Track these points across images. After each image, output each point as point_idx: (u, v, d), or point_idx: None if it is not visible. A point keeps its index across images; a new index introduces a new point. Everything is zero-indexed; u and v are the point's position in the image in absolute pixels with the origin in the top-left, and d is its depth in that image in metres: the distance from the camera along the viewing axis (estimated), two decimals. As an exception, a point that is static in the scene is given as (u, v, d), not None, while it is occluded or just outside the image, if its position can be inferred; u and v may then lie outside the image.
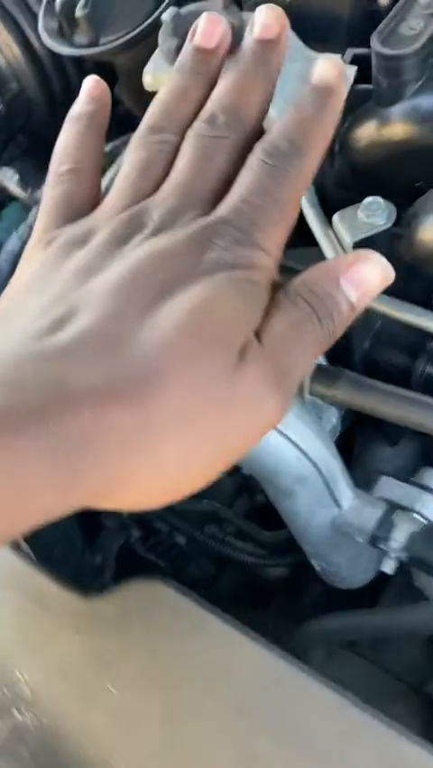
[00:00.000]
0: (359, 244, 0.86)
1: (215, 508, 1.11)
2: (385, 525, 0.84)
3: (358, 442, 1.02)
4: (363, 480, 1.05)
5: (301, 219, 0.88)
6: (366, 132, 0.90)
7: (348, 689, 1.09)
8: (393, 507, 0.87)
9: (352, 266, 0.41)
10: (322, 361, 0.77)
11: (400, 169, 0.88)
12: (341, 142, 0.91)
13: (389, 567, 0.86)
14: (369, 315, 0.85)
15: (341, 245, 0.84)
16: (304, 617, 1.35)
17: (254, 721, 0.51)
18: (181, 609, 0.57)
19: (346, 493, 0.86)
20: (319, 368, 0.67)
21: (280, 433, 0.78)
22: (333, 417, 1.00)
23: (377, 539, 0.85)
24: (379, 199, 0.83)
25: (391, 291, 0.87)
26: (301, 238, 0.93)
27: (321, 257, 0.87)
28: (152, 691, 0.55)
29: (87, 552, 1.39)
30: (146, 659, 0.56)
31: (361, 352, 0.89)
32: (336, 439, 0.92)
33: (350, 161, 0.91)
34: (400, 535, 0.84)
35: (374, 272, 0.42)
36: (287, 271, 0.46)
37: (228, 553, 1.14)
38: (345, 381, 0.67)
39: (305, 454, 0.80)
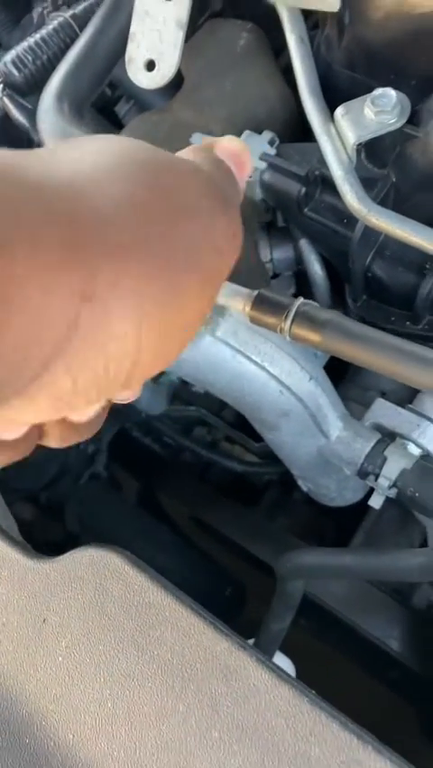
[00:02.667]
0: (364, 145, 0.74)
1: (202, 414, 1.05)
2: (375, 458, 0.78)
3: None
4: (358, 398, 0.98)
5: (302, 108, 0.76)
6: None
7: (335, 600, 1.10)
8: (386, 439, 0.80)
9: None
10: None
11: (422, 51, 0.74)
12: (353, 11, 0.77)
13: (376, 502, 0.80)
14: (369, 229, 0.75)
15: (343, 145, 0.72)
16: (294, 513, 1.33)
17: (199, 703, 0.48)
18: (132, 582, 0.53)
19: (335, 423, 0.79)
20: (304, 311, 0.59)
21: (264, 369, 0.70)
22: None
23: (366, 473, 0.79)
24: (390, 91, 0.70)
25: (397, 202, 0.77)
26: (303, 130, 0.81)
27: (320, 156, 0.76)
28: (92, 655, 0.52)
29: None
30: (86, 625, 0.52)
31: (362, 266, 0.80)
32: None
33: (362, 37, 0.77)
34: (390, 471, 0.78)
35: None
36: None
37: (216, 460, 1.10)
38: (332, 328, 0.58)
39: (288, 389, 0.73)
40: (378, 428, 0.86)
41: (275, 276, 0.93)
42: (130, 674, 0.50)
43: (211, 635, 0.51)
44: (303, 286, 0.94)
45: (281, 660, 0.95)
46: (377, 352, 0.57)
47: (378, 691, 1.14)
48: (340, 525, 1.22)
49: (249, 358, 0.70)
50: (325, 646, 1.12)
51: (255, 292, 0.61)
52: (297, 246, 0.88)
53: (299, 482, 0.92)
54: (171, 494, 1.39)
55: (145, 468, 1.40)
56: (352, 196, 0.70)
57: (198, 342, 0.68)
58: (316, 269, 0.87)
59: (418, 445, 0.84)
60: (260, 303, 0.61)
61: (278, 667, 0.50)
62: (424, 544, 1.11)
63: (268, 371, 0.71)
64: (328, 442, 0.80)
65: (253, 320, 0.61)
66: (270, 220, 0.91)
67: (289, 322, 0.60)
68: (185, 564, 1.34)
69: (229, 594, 1.37)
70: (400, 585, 1.08)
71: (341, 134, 0.72)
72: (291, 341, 0.61)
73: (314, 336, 0.59)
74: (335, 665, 1.16)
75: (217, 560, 1.37)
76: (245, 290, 0.62)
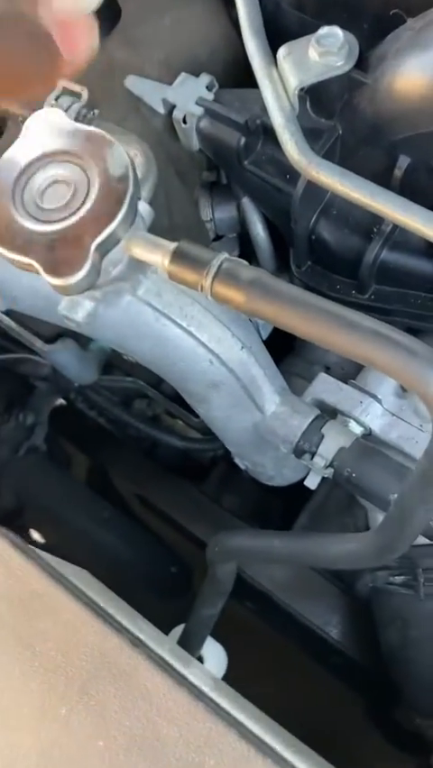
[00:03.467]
0: (309, 91, 0.67)
1: (139, 386, 0.99)
2: (312, 436, 0.72)
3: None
4: (302, 372, 0.92)
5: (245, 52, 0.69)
6: None
7: (274, 585, 1.05)
8: (324, 416, 0.75)
9: None
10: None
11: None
12: None
13: (312, 483, 0.75)
14: (313, 185, 0.69)
15: (285, 90, 0.66)
16: (242, 491, 1.27)
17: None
18: (15, 568, 0.47)
19: (271, 398, 0.73)
20: (227, 267, 0.52)
21: (190, 335, 0.64)
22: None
23: (302, 452, 0.73)
24: (337, 30, 0.63)
25: (344, 156, 0.70)
26: (248, 76, 0.74)
27: (263, 103, 0.69)
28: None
29: (17, 412, 1.29)
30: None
31: (305, 227, 0.73)
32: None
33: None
34: (327, 450, 0.72)
35: None
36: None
37: (156, 436, 1.04)
38: (257, 288, 0.52)
39: (217, 357, 0.66)
40: (319, 405, 0.80)
41: (217, 238, 0.86)
42: (8, 671, 0.44)
43: (101, 630, 0.45)
44: (248, 249, 0.87)
45: (212, 646, 0.90)
46: (304, 316, 0.51)
47: (320, 677, 1.09)
48: (287, 504, 1.17)
49: (174, 321, 0.63)
50: (265, 629, 1.07)
51: (174, 244, 0.55)
52: (240, 205, 0.81)
53: (236, 460, 0.86)
54: (118, 470, 1.33)
55: (92, 442, 1.34)
56: (292, 146, 0.63)
57: (116, 301, 0.61)
58: (258, 230, 0.80)
59: (359, 423, 0.78)
60: (179, 257, 0.54)
61: (174, 669, 0.44)
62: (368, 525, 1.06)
63: (195, 337, 0.64)
64: (264, 417, 0.74)
65: (171, 276, 0.55)
66: (213, 180, 0.85)
67: (210, 279, 0.53)
68: (128, 542, 1.29)
69: (175, 572, 1.32)
70: (342, 571, 1.04)
71: (283, 78, 0.65)
72: (212, 300, 0.54)
73: (237, 296, 0.53)
74: (275, 649, 1.12)
75: (165, 537, 1.32)
76: (164, 242, 0.55)
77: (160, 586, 1.37)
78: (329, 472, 0.72)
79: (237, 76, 0.77)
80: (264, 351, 0.72)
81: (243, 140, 0.71)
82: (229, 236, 0.86)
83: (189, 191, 0.81)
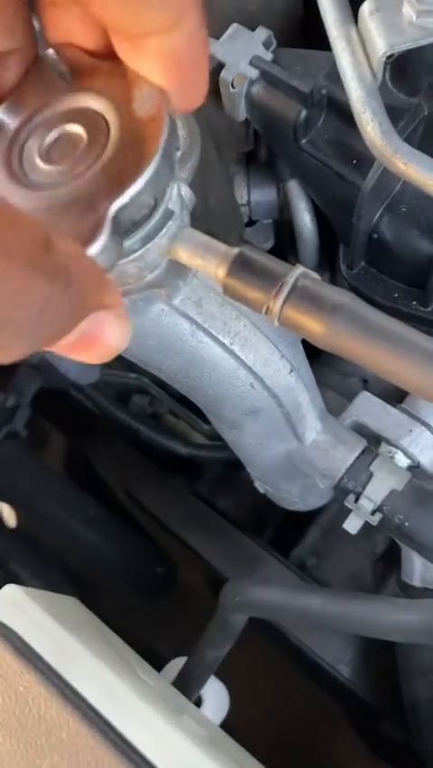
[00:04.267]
0: (393, 63, 0.54)
1: (144, 384, 0.87)
2: (358, 473, 0.61)
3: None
4: (336, 385, 0.81)
5: (313, 6, 0.56)
6: None
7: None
8: (372, 449, 0.63)
9: None
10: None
11: None
12: None
13: (353, 527, 0.64)
14: (385, 175, 0.56)
15: (366, 56, 0.53)
16: (239, 493, 1.17)
17: None
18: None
19: (312, 424, 0.62)
20: (305, 286, 0.40)
21: (233, 354, 0.52)
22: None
23: (345, 491, 0.62)
24: (443, -14, 0.51)
25: (427, 141, 0.58)
26: (310, 32, 0.61)
27: (333, 67, 0.56)
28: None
29: (-6, 392, 1.16)
30: None
31: (368, 223, 0.61)
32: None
33: None
34: (376, 491, 0.61)
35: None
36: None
37: (154, 440, 0.92)
38: (346, 317, 0.40)
39: (261, 382, 0.54)
40: (359, 428, 0.69)
41: (251, 223, 0.74)
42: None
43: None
44: (285, 239, 0.75)
45: (214, 686, 0.80)
46: (404, 360, 0.39)
47: (328, 713, 1.00)
48: (288, 512, 1.07)
49: (214, 337, 0.51)
50: (272, 661, 0.97)
51: (236, 250, 0.42)
52: (283, 188, 0.69)
53: (256, 483, 0.75)
54: (104, 461, 1.21)
55: (79, 428, 1.21)
56: (373, 127, 0.51)
57: (146, 308, 0.49)
58: (305, 220, 0.68)
59: (407, 455, 0.68)
60: (241, 267, 0.42)
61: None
62: (388, 550, 0.96)
63: (238, 357, 0.52)
64: (301, 446, 0.63)
65: (228, 291, 0.43)
66: (251, 149, 0.72)
67: (280, 300, 0.41)
68: (112, 541, 1.19)
69: (160, 573, 1.23)
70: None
71: (366, 41, 0.53)
72: (279, 326, 0.42)
73: (314, 325, 0.41)
74: (281, 682, 1.02)
75: (151, 535, 1.21)
76: (220, 245, 0.43)
77: (145, 587, 1.27)
78: (376, 518, 0.61)
79: (297, 32, 0.64)
80: (309, 370, 0.60)
81: (303, 113, 0.58)
82: (264, 222, 0.74)
83: (224, 168, 0.68)
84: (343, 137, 0.59)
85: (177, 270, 0.47)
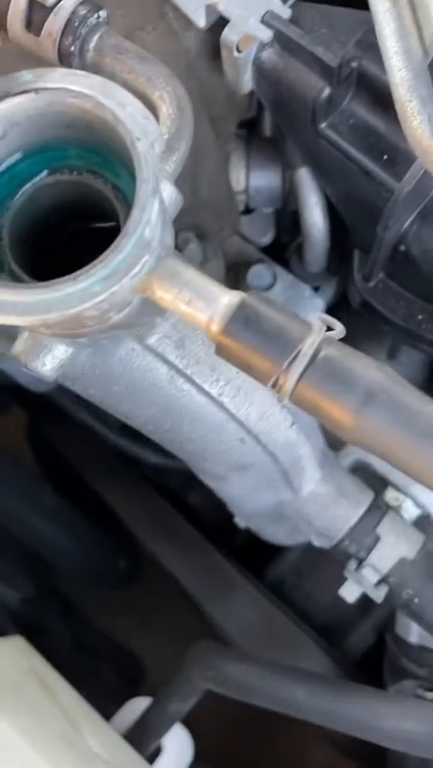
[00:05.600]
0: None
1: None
2: (362, 537, 0.51)
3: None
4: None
5: None
6: None
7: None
8: (381, 504, 0.53)
9: None
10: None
11: None
12: None
13: (351, 595, 0.54)
14: (425, 179, 0.44)
15: (417, 24, 0.40)
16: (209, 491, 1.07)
17: None
18: None
19: (311, 475, 0.51)
20: (328, 358, 0.29)
21: (219, 405, 0.40)
22: (313, 313, 0.61)
23: (345, 555, 0.52)
24: None
25: None
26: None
27: (368, 32, 0.44)
28: None
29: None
30: None
31: (396, 232, 0.49)
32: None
33: None
34: (381, 560, 0.51)
35: None
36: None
37: (128, 449, 0.81)
38: (376, 403, 0.28)
39: (254, 437, 0.43)
40: (362, 468, 0.58)
41: (247, 211, 0.61)
42: None
43: None
44: (287, 233, 0.63)
45: (178, 736, 0.70)
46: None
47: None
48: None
49: (198, 386, 0.39)
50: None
51: (236, 298, 0.31)
52: (290, 175, 0.56)
53: (236, 519, 0.65)
54: (65, 445, 1.09)
55: (42, 409, 1.09)
56: (421, 122, 0.39)
57: (111, 349, 0.37)
58: (315, 217, 0.56)
59: (417, 504, 0.57)
60: (243, 323, 0.30)
61: None
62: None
63: (227, 410, 0.41)
64: (296, 498, 0.52)
65: (222, 352, 0.31)
66: (252, 117, 0.59)
67: (295, 375, 0.30)
68: (70, 535, 1.09)
69: (123, 566, 1.14)
70: (331, 627, 0.85)
71: (417, 4, 0.40)
72: (290, 404, 0.31)
73: (341, 414, 0.30)
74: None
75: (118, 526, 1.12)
76: (215, 289, 0.31)
77: (106, 580, 1.19)
78: (382, 592, 0.51)
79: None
80: (314, 426, 0.49)
81: (327, 90, 0.45)
82: (264, 211, 0.61)
83: (222, 148, 0.55)
84: (374, 124, 0.46)
85: (153, 305, 0.35)
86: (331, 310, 0.68)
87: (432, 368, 0.70)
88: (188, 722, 0.83)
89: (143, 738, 0.68)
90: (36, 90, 0.32)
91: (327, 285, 0.63)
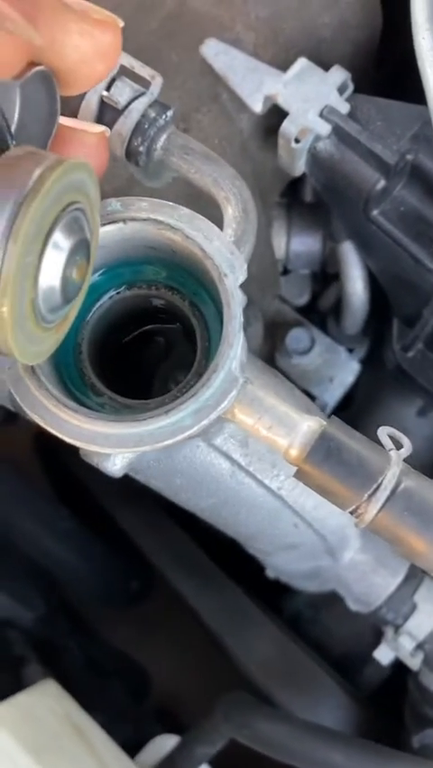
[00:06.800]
0: None
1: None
2: (399, 604, 0.53)
3: (376, 401, 0.66)
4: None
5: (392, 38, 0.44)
6: None
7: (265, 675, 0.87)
8: (418, 573, 0.54)
9: None
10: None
11: None
12: None
13: (385, 657, 0.55)
14: None
15: None
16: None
17: None
18: None
19: (353, 545, 0.52)
20: (409, 495, 0.30)
21: (276, 496, 0.42)
22: (349, 376, 0.63)
23: (382, 621, 0.53)
24: None
25: None
26: (396, 77, 0.49)
27: (423, 127, 0.45)
28: None
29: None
30: None
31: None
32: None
33: None
34: (418, 627, 0.52)
35: None
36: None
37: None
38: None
39: (309, 525, 0.44)
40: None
41: (285, 272, 0.62)
42: None
43: None
44: (324, 296, 0.64)
45: (199, 774, 0.72)
46: None
47: None
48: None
49: (258, 481, 0.41)
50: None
51: (315, 425, 0.32)
52: (330, 243, 0.58)
53: (268, 572, 0.66)
54: (79, 469, 1.10)
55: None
56: None
57: (178, 447, 0.38)
58: (357, 288, 0.57)
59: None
60: (326, 454, 0.31)
61: None
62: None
63: (284, 501, 0.42)
64: (335, 564, 0.53)
65: (302, 477, 0.32)
66: (292, 179, 0.59)
67: (377, 506, 0.31)
68: (84, 557, 1.10)
69: (135, 587, 1.15)
70: (347, 659, 0.87)
71: None
72: (367, 530, 0.32)
73: (418, 543, 0.31)
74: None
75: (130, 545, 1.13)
76: (295, 416, 0.32)
77: (117, 600, 1.20)
78: (417, 660, 0.53)
79: (370, 68, 0.52)
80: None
81: (381, 183, 0.46)
82: (301, 272, 0.63)
83: (264, 213, 0.56)
84: (425, 213, 0.47)
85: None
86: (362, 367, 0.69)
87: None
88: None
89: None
90: (125, 221, 0.33)
91: (360, 346, 0.64)
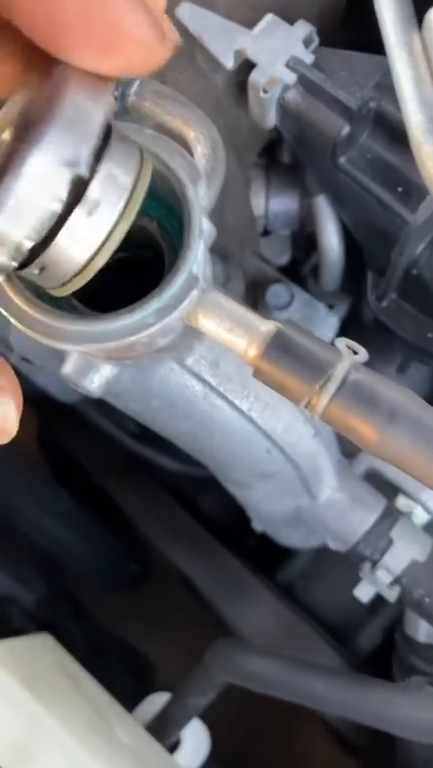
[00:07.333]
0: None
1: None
2: (376, 540, 0.55)
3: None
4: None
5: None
6: None
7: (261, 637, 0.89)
8: (393, 511, 0.57)
9: None
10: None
11: None
12: None
13: (365, 595, 0.57)
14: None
15: (431, 71, 0.44)
16: (219, 492, 1.11)
17: None
18: None
19: (329, 482, 0.55)
20: (356, 381, 0.33)
21: (248, 419, 0.44)
22: (328, 332, 0.66)
23: (359, 557, 0.55)
24: None
25: None
26: (355, 32, 0.52)
27: (385, 76, 0.48)
28: None
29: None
30: None
31: (409, 258, 0.53)
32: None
33: None
34: (395, 561, 0.54)
35: None
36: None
37: (146, 455, 0.85)
38: (399, 421, 0.32)
39: (280, 449, 0.47)
40: (373, 476, 0.62)
41: (266, 233, 0.65)
42: None
43: None
44: (303, 255, 0.66)
45: (196, 730, 0.74)
46: None
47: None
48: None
49: (230, 402, 0.43)
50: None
51: (272, 327, 0.34)
52: (308, 202, 0.60)
53: (253, 524, 0.68)
54: (86, 454, 1.13)
55: (60, 418, 1.13)
56: (435, 162, 0.43)
57: (152, 369, 0.41)
58: (332, 242, 0.59)
59: (427, 510, 0.61)
60: (280, 350, 0.34)
61: None
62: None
63: (255, 423, 0.44)
64: (314, 503, 0.56)
65: (260, 375, 0.35)
66: (268, 140, 0.62)
67: (327, 396, 0.33)
68: (84, 538, 1.13)
69: (134, 569, 1.17)
70: (340, 627, 0.89)
71: (431, 53, 0.44)
72: (321, 421, 0.34)
73: (367, 431, 0.33)
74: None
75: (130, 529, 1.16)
76: (254, 319, 0.35)
77: (117, 583, 1.22)
78: (394, 593, 0.55)
79: (335, 26, 0.55)
80: (331, 435, 0.53)
81: (346, 129, 0.49)
82: (281, 233, 0.65)
83: (242, 172, 0.59)
84: (390, 159, 0.50)
85: (193, 332, 0.39)
86: (343, 325, 0.72)
87: (437, 380, 0.74)
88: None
89: (163, 731, 0.72)
90: None
91: (341, 303, 0.66)
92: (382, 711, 0.50)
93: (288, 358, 0.34)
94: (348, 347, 0.36)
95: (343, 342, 0.36)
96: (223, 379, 0.42)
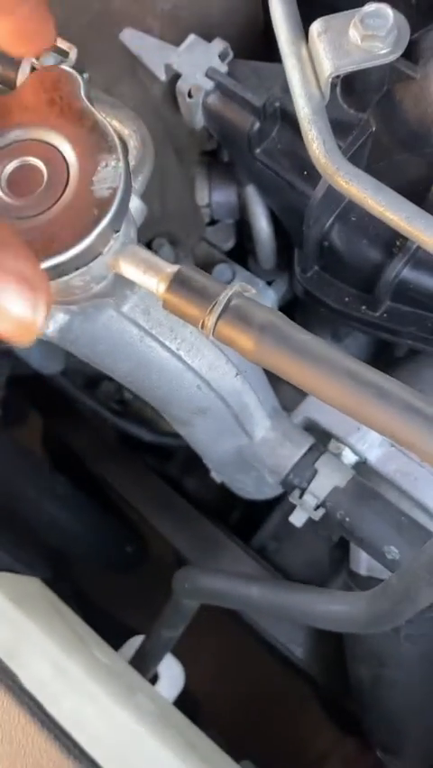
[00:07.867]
0: (344, 80, 0.57)
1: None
2: (303, 470, 0.65)
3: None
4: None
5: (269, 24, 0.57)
6: None
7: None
8: (319, 446, 0.67)
9: None
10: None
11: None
12: None
13: (298, 520, 0.67)
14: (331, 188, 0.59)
15: (315, 74, 0.55)
16: (206, 475, 1.21)
17: None
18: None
19: (262, 422, 0.65)
20: (237, 305, 0.43)
21: (179, 359, 0.54)
22: (267, 303, 0.76)
23: (290, 486, 0.65)
24: (387, 11, 0.53)
25: (374, 157, 0.60)
26: (267, 45, 0.63)
27: (285, 82, 0.58)
28: None
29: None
30: None
31: (319, 231, 0.63)
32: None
33: None
34: (319, 488, 0.64)
35: None
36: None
37: (124, 427, 0.95)
38: (271, 335, 0.42)
39: (207, 384, 0.57)
40: (310, 425, 0.72)
41: (212, 222, 0.76)
42: None
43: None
44: (245, 240, 0.77)
45: (171, 664, 0.83)
46: (324, 377, 0.42)
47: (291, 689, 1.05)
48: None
49: (161, 343, 0.53)
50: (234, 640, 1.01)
51: (174, 268, 0.45)
52: (241, 192, 0.71)
53: (213, 474, 0.78)
54: (79, 441, 1.24)
55: (54, 409, 1.24)
56: (318, 145, 0.53)
57: (96, 316, 0.51)
58: (261, 224, 0.70)
59: (354, 452, 0.71)
60: (179, 285, 0.44)
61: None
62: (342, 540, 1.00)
63: (184, 361, 0.55)
64: (251, 442, 0.66)
65: (167, 305, 0.45)
66: (213, 148, 0.73)
67: (214, 317, 0.44)
68: (79, 519, 1.22)
69: (130, 551, 1.26)
70: (309, 584, 0.98)
71: (315, 60, 0.55)
72: (213, 339, 0.45)
73: (245, 341, 0.43)
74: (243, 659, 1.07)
75: (123, 513, 1.25)
76: (161, 263, 0.45)
77: (114, 564, 1.31)
78: (319, 514, 0.65)
79: (254, 44, 0.66)
80: (259, 372, 0.63)
81: (256, 124, 0.60)
82: (226, 222, 0.76)
83: (186, 172, 0.70)
84: (295, 148, 0.61)
85: (124, 281, 0.49)
86: (289, 304, 0.82)
87: (373, 348, 0.84)
88: (194, 697, 0.95)
89: (142, 666, 0.81)
90: None
91: (280, 280, 0.77)
92: (304, 608, 0.59)
93: (185, 290, 0.44)
94: (241, 287, 0.46)
95: (238, 284, 0.46)
96: (154, 323, 0.53)
